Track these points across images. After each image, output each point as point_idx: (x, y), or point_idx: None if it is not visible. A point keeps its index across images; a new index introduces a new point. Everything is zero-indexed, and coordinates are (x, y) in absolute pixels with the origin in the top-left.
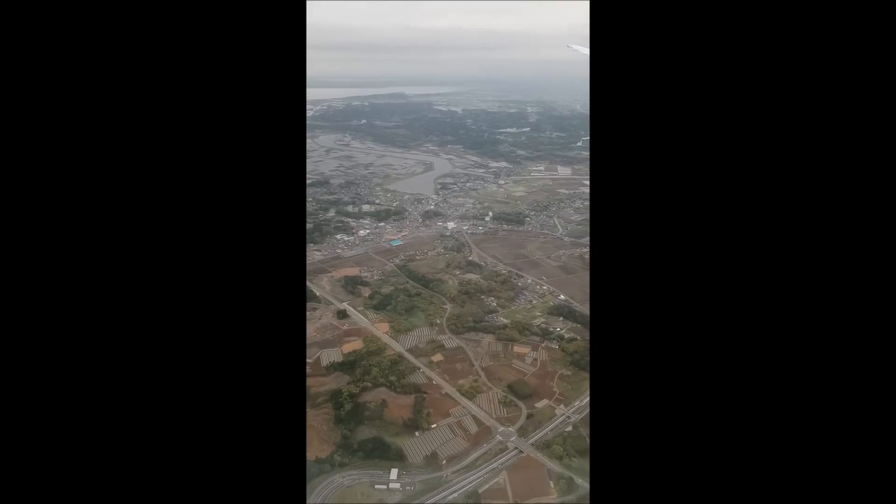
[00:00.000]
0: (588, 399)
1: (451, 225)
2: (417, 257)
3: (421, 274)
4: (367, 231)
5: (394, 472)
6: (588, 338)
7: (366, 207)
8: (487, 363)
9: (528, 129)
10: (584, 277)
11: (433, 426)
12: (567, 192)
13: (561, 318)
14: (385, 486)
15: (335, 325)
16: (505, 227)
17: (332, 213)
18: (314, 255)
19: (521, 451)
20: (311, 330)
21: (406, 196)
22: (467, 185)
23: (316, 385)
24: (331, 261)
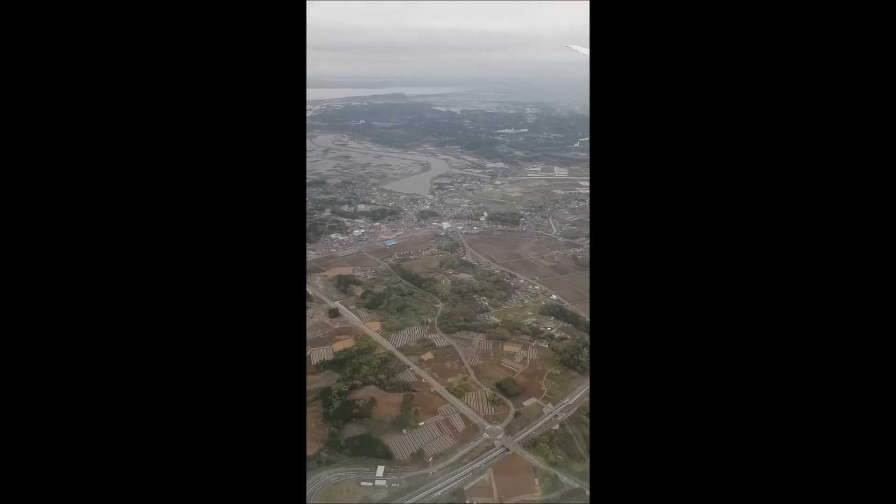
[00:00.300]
0: (575, 397)
1: (446, 225)
2: (411, 257)
3: (414, 273)
4: (362, 231)
5: (380, 470)
6: (578, 337)
7: (361, 207)
8: (477, 362)
9: (525, 129)
10: (577, 277)
11: (421, 424)
12: (563, 192)
13: (552, 318)
14: (371, 484)
15: (326, 324)
16: (500, 227)
17: (327, 213)
18: (308, 254)
19: (507, 449)
20: None
21: (402, 196)
22: (463, 185)
23: (306, 383)
24: (325, 260)
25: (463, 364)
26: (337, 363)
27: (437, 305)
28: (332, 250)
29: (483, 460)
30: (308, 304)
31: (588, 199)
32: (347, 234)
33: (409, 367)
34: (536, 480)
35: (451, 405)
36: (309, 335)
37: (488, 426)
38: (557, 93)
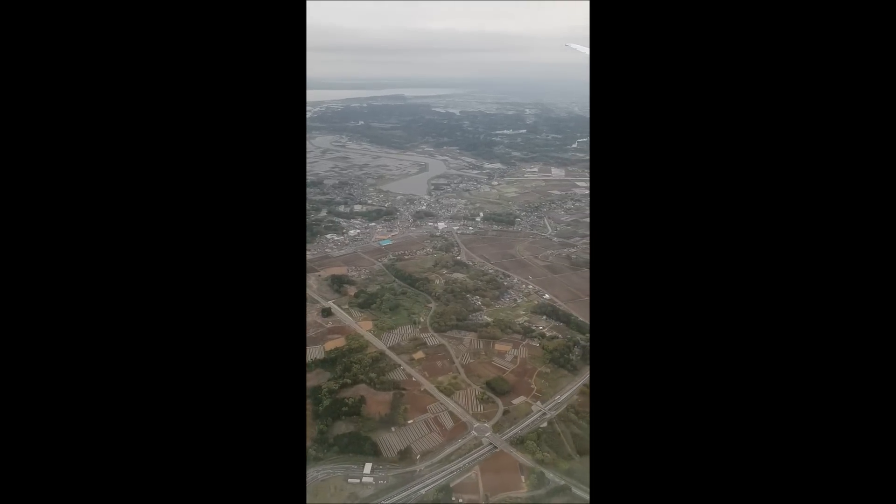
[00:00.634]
0: (564, 396)
1: (441, 225)
2: (406, 257)
3: (408, 273)
4: (358, 231)
5: (367, 467)
6: (569, 336)
7: (357, 208)
8: (468, 361)
9: (524, 130)
10: (570, 277)
11: (409, 422)
12: (559, 193)
13: (544, 317)
14: (358, 480)
15: (319, 323)
16: (495, 227)
17: (323, 214)
18: None
19: (494, 447)
20: None
21: (399, 197)
22: (460, 185)
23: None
24: (319, 260)
25: (454, 363)
26: (328, 362)
27: (429, 305)
28: (328, 250)
29: (470, 458)
30: None
31: (584, 200)
32: (343, 234)
33: (399, 365)
34: (523, 478)
35: (441, 403)
36: None
37: (476, 424)
38: (557, 94)
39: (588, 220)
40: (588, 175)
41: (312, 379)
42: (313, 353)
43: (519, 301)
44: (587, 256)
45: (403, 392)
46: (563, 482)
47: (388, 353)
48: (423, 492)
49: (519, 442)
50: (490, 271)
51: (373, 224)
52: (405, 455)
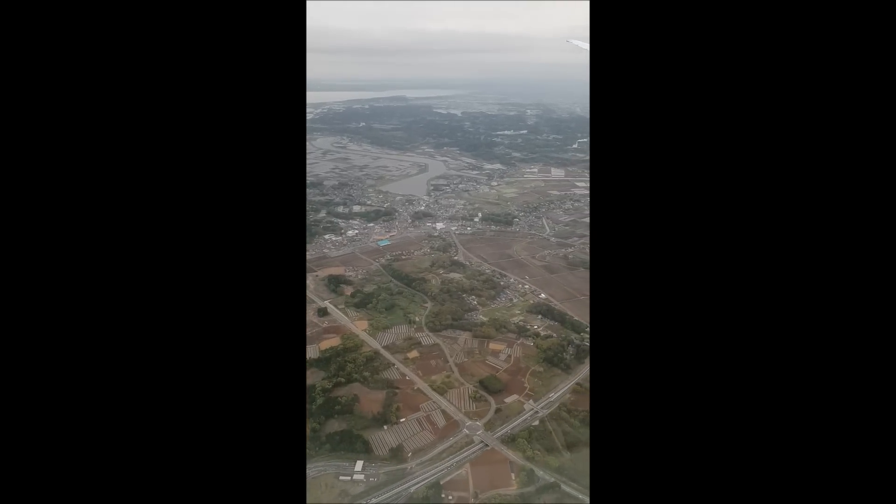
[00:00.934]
0: (556, 394)
1: (439, 226)
2: (403, 257)
3: (405, 273)
4: (356, 231)
5: (359, 464)
6: (563, 335)
7: (356, 208)
8: (462, 360)
9: (525, 131)
10: (567, 277)
11: (402, 420)
12: (558, 193)
13: (539, 317)
14: (349, 478)
15: (314, 323)
16: (493, 227)
17: (322, 214)
18: None
19: (486, 445)
20: None
21: (398, 197)
22: (460, 186)
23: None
24: (317, 260)
25: (447, 362)
26: (322, 361)
27: (425, 304)
28: (326, 251)
29: (461, 455)
30: None
31: (583, 200)
32: (341, 234)
33: (393, 364)
34: (513, 475)
35: (434, 402)
36: None
37: (468, 422)
38: (559, 94)
39: (586, 220)
40: (587, 175)
41: (307, 378)
42: (308, 352)
43: (515, 301)
44: (584, 256)
45: (396, 391)
46: (552, 479)
47: (383, 352)
48: (413, 489)
49: (510, 440)
50: (487, 271)
51: (371, 225)
52: (396, 453)
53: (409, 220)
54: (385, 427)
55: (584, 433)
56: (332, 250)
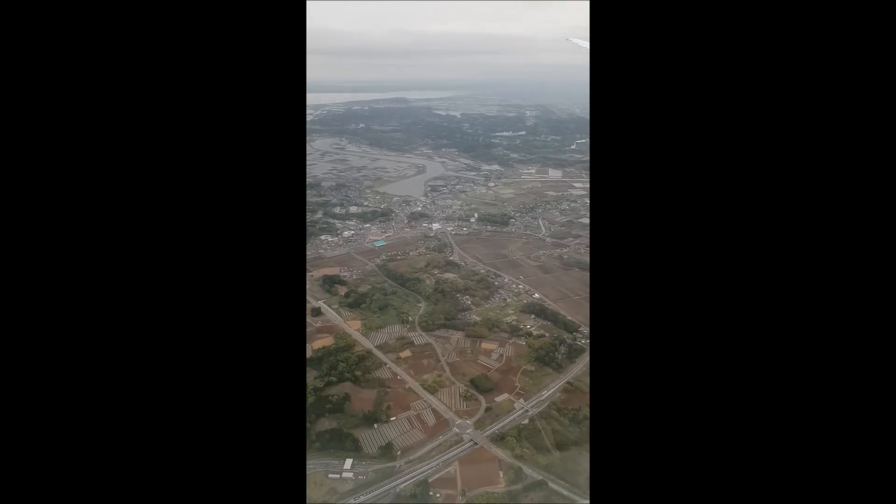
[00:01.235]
0: (547, 393)
1: (436, 226)
2: (398, 257)
3: (399, 273)
4: (352, 232)
5: (348, 462)
6: (556, 335)
7: (353, 209)
8: (454, 359)
9: (523, 132)
10: (561, 277)
11: (392, 419)
12: (555, 194)
13: (532, 316)
14: (338, 476)
15: (308, 323)
16: (489, 228)
17: (319, 215)
18: None
19: (475, 443)
20: None
21: (395, 198)
22: (457, 187)
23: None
24: (313, 261)
25: (439, 361)
26: (315, 360)
27: (419, 304)
28: (321, 251)
29: (451, 454)
30: None
31: (579, 201)
32: (337, 235)
33: (385, 364)
34: (501, 473)
35: (424, 401)
36: None
37: (458, 421)
38: (559, 95)
39: (582, 220)
40: (585, 176)
41: None
42: None
43: (508, 300)
44: (578, 256)
45: (388, 390)
46: (540, 477)
47: (375, 351)
48: (401, 486)
49: (499, 438)
50: (481, 271)
51: (367, 225)
52: (386, 451)
53: (406, 221)
54: (375, 426)
55: (574, 431)
56: (327, 251)
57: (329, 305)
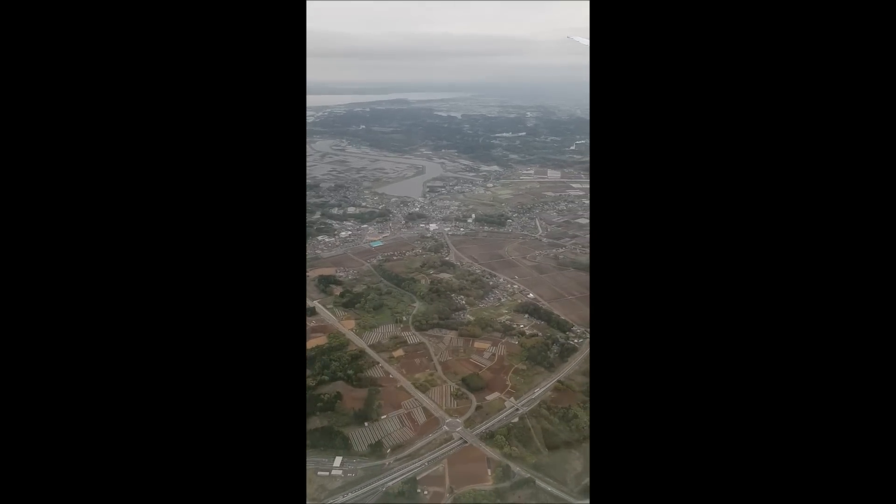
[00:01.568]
0: (538, 392)
1: (433, 227)
2: (394, 258)
3: (395, 273)
4: (349, 233)
5: (337, 460)
6: (548, 334)
7: (351, 210)
8: (446, 358)
9: (524, 133)
10: (556, 277)
11: (383, 417)
12: (553, 194)
13: (526, 315)
14: (327, 473)
15: None
16: (486, 228)
17: (317, 216)
18: None
19: (464, 441)
20: None
21: (393, 199)
22: (455, 188)
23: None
24: (309, 261)
25: (432, 360)
26: (308, 360)
27: (413, 304)
28: (318, 251)
29: (440, 452)
30: None
31: (576, 201)
32: (334, 235)
33: (378, 363)
34: (489, 471)
35: (415, 399)
36: None
37: (448, 419)
38: (560, 96)
39: (579, 221)
40: (583, 177)
41: None
42: None
43: (503, 300)
44: (574, 256)
45: (379, 388)
46: (528, 475)
47: (368, 350)
48: (389, 484)
49: (489, 436)
50: (477, 271)
51: (365, 226)
52: (376, 449)
53: (403, 222)
54: (366, 424)
55: (563, 430)
56: (324, 251)
57: (324, 305)
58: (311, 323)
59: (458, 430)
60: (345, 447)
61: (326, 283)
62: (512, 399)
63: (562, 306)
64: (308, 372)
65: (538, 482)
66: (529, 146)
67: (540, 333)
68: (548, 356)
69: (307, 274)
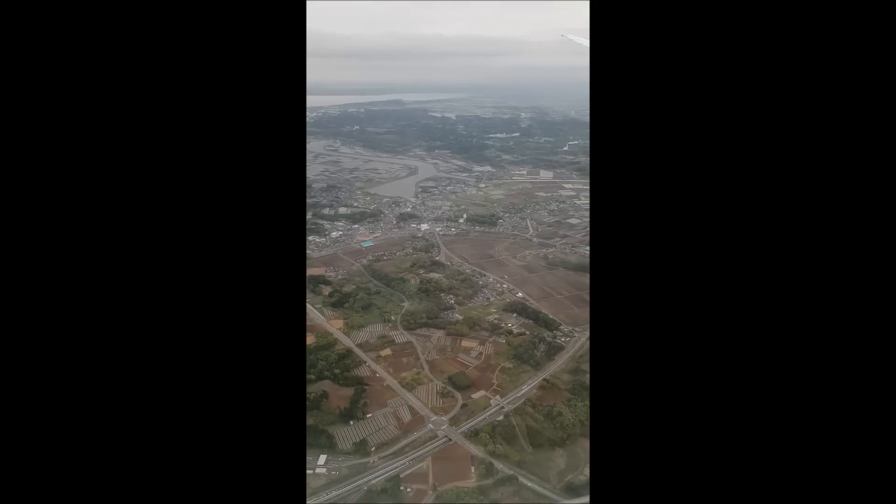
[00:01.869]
0: (523, 390)
1: (424, 227)
2: (385, 258)
3: (385, 273)
4: (340, 233)
5: (322, 458)
6: (536, 333)
7: (342, 210)
8: (433, 357)
9: (517, 134)
10: (545, 276)
11: (368, 416)
12: (545, 195)
13: (514, 315)
14: (311, 471)
15: None
16: (478, 228)
17: (308, 216)
18: None
19: (449, 439)
20: None
21: (385, 199)
22: (448, 188)
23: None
24: None
25: (419, 359)
26: None
27: (402, 304)
28: (308, 252)
29: (424, 449)
30: None
31: (568, 201)
32: (325, 236)
33: (365, 362)
34: (473, 468)
35: (401, 398)
36: None
37: (434, 417)
38: (555, 97)
39: (570, 221)
40: (575, 177)
41: None
42: None
43: (492, 299)
44: (563, 256)
45: (366, 387)
46: (511, 472)
47: (356, 350)
48: (373, 482)
49: (473, 434)
50: (467, 271)
51: (356, 226)
52: (360, 447)
53: (395, 222)
54: (351, 422)
55: (548, 428)
56: (314, 251)
57: (313, 305)
58: None
59: (442, 428)
60: (329, 445)
61: (316, 283)
62: (497, 397)
63: (550, 305)
64: None
65: (521, 479)
66: (523, 147)
67: (527, 332)
68: (534, 355)
69: None
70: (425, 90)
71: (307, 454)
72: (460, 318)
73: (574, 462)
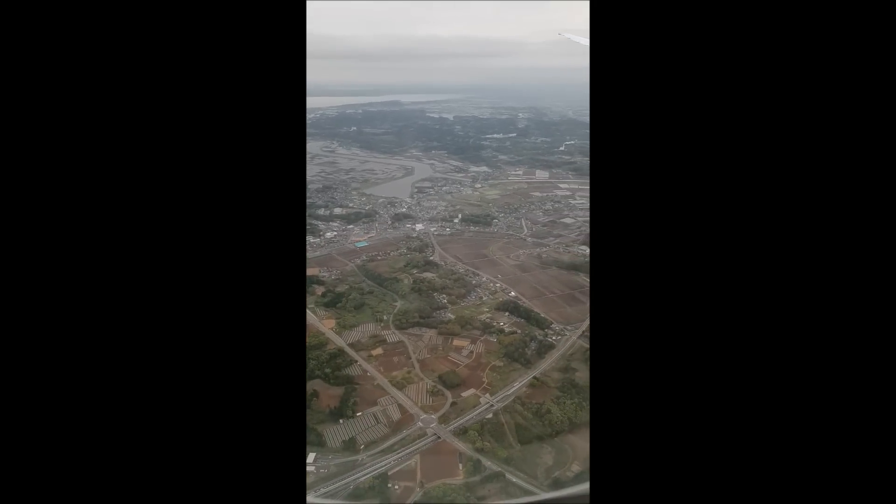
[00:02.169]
0: (513, 389)
1: (419, 227)
2: (379, 258)
3: (378, 273)
4: (335, 233)
5: (311, 456)
6: (527, 332)
7: (337, 211)
8: (425, 356)
9: (514, 134)
10: (538, 275)
11: (358, 414)
12: (540, 194)
13: (507, 314)
14: None
15: None
16: (472, 228)
17: None
18: None
19: (438, 437)
20: None
21: (380, 200)
22: (444, 188)
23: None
24: None
25: (410, 358)
26: None
27: (395, 303)
28: None
29: (413, 447)
30: None
31: (563, 201)
32: (319, 236)
33: (356, 361)
34: (460, 465)
35: (391, 396)
36: None
37: (423, 415)
38: (553, 97)
39: (564, 220)
40: (571, 177)
41: None
42: None
43: (484, 298)
44: (557, 255)
45: (356, 386)
46: (498, 469)
47: (347, 349)
48: (361, 479)
49: (462, 432)
50: (460, 270)
51: (350, 227)
52: (349, 445)
53: (389, 222)
54: (340, 421)
55: (536, 425)
56: (309, 252)
57: (306, 305)
58: None
59: (431, 426)
60: (319, 444)
61: (309, 283)
62: (487, 395)
63: (542, 304)
64: None
65: (508, 476)
66: (519, 147)
67: (519, 331)
68: (525, 353)
69: None
70: (424, 91)
71: None
72: (452, 317)
73: (561, 458)
